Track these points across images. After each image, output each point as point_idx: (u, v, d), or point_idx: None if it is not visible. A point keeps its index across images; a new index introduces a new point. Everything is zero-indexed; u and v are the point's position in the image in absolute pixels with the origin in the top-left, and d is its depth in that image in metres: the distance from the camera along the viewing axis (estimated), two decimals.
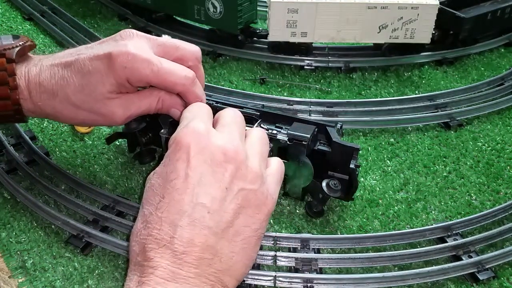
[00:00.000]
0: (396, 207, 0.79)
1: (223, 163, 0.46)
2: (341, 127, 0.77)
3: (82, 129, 0.93)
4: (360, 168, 0.83)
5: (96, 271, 0.68)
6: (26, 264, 0.69)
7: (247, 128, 0.58)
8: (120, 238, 0.72)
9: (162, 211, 0.44)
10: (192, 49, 0.64)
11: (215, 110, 0.82)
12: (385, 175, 0.86)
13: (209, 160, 0.46)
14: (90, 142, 0.92)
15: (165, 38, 0.64)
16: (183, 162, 0.46)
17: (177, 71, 0.60)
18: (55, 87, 0.60)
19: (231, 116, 0.56)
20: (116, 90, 0.61)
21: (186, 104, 0.64)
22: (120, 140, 0.90)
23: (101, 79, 0.59)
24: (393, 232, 0.74)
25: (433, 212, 0.79)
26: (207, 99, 0.82)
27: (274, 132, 0.73)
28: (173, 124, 0.76)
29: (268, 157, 0.59)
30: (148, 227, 0.44)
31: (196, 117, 0.52)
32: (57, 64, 0.61)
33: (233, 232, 0.45)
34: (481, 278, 0.66)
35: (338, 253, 0.71)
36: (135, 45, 0.59)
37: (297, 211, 0.78)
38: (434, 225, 0.74)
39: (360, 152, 0.76)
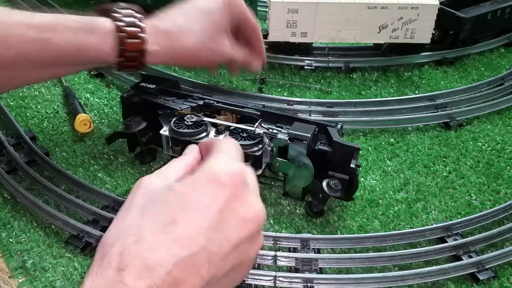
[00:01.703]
0: (396, 207, 0.79)
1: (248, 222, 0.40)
2: (341, 127, 0.77)
3: (82, 129, 0.93)
4: (360, 168, 0.83)
5: None
6: (26, 264, 0.69)
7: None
8: None
9: (168, 236, 0.36)
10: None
11: (216, 110, 0.82)
12: (385, 175, 0.86)
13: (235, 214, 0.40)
14: (90, 142, 0.92)
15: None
16: (217, 200, 0.38)
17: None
18: (185, 28, 0.74)
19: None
20: (228, 26, 0.79)
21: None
22: (120, 140, 0.90)
23: (222, 13, 0.77)
24: (393, 232, 0.74)
25: (433, 212, 0.79)
26: (207, 99, 0.83)
27: (275, 131, 0.73)
28: (175, 123, 0.76)
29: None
30: (141, 245, 0.35)
31: (236, 157, 0.44)
32: (178, 10, 0.76)
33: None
34: (481, 278, 0.66)
35: (338, 253, 0.71)
36: None
37: (297, 211, 0.78)
38: (434, 225, 0.74)
39: (360, 152, 0.76)
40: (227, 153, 0.42)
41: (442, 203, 0.80)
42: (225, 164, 0.40)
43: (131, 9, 0.70)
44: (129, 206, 0.39)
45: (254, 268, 0.67)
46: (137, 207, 0.38)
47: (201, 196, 0.38)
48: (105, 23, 0.67)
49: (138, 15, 0.70)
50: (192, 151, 0.48)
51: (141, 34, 0.68)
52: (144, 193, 0.40)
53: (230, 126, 0.76)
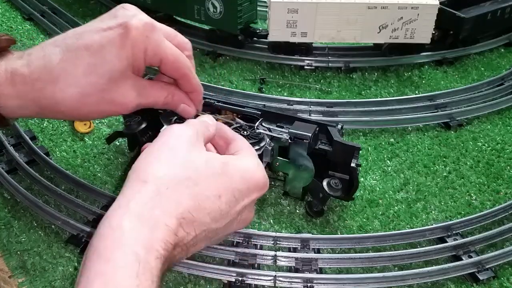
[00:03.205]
0: (396, 207, 0.79)
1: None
2: (341, 127, 0.77)
3: (82, 129, 0.93)
4: (360, 168, 0.83)
5: None
6: (26, 264, 0.68)
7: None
8: None
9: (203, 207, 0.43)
10: (186, 40, 0.60)
11: (216, 110, 0.82)
12: (385, 175, 0.86)
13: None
14: (90, 142, 0.92)
15: (163, 26, 0.58)
16: (251, 199, 0.49)
17: (183, 55, 0.56)
18: (54, 72, 0.51)
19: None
20: (130, 66, 0.54)
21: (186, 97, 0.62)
22: (120, 140, 0.90)
23: (116, 53, 0.51)
24: (393, 232, 0.74)
25: (433, 212, 0.79)
26: (207, 99, 0.82)
27: (275, 131, 0.73)
28: (176, 123, 0.76)
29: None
30: (196, 218, 0.42)
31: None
32: (55, 44, 0.52)
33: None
34: (481, 278, 0.66)
35: (338, 253, 0.71)
36: (147, 16, 0.53)
37: (297, 211, 0.78)
38: (434, 225, 0.74)
39: (360, 152, 0.76)
40: (256, 158, 0.51)
41: (442, 203, 0.80)
42: (264, 173, 0.50)
43: None
44: (175, 155, 0.45)
45: (254, 268, 0.67)
46: (185, 162, 0.44)
47: (244, 189, 0.47)
48: None
49: None
50: (213, 125, 0.53)
51: None
52: (190, 148, 0.46)
53: (231, 124, 0.76)
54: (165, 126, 0.77)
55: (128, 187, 0.43)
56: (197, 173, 0.44)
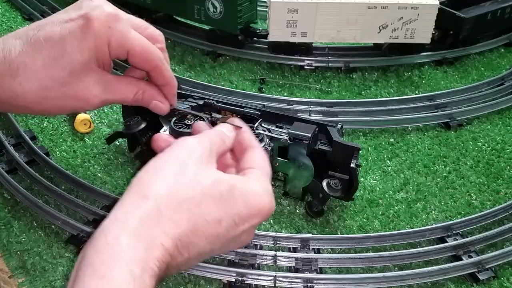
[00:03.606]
0: (396, 207, 0.79)
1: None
2: (341, 127, 0.77)
3: (82, 129, 0.93)
4: (360, 168, 0.83)
5: None
6: (26, 264, 0.68)
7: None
8: None
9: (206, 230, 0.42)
10: (158, 32, 0.55)
11: (216, 110, 0.82)
12: (385, 175, 0.86)
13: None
14: (90, 142, 0.92)
15: (132, 17, 0.53)
16: (251, 226, 0.45)
17: (153, 46, 0.52)
18: (13, 65, 0.48)
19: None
20: (94, 59, 0.50)
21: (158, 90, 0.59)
22: (120, 140, 0.90)
23: (77, 45, 0.48)
24: (393, 232, 0.74)
25: (433, 212, 0.79)
26: (208, 99, 0.82)
27: (275, 131, 0.73)
28: (175, 123, 0.76)
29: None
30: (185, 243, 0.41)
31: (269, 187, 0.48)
32: (16, 37, 0.49)
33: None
34: (481, 278, 0.66)
35: (338, 253, 0.71)
36: (112, 6, 0.50)
37: (297, 211, 0.78)
38: (434, 225, 0.74)
39: (360, 152, 0.76)
40: (266, 181, 0.47)
41: (442, 203, 0.80)
42: (271, 198, 0.46)
43: None
44: (183, 173, 0.42)
45: (254, 268, 0.67)
46: (191, 179, 0.42)
47: (246, 215, 0.44)
48: None
49: None
50: (230, 138, 0.50)
51: None
52: (198, 167, 0.43)
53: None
54: (164, 127, 0.77)
55: (128, 199, 0.41)
56: (201, 194, 0.42)
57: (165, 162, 0.44)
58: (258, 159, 0.49)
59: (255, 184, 0.46)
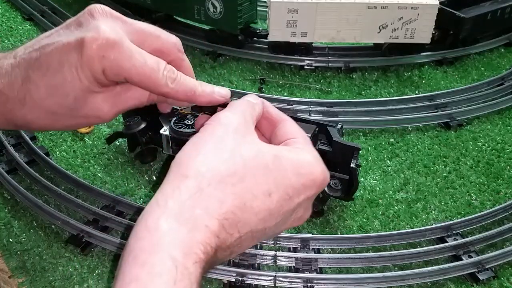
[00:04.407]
0: (396, 207, 0.79)
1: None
2: (341, 127, 0.77)
3: (82, 129, 0.93)
4: (360, 168, 0.83)
5: (96, 271, 0.68)
6: (26, 264, 0.68)
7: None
8: (120, 238, 0.72)
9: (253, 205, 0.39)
10: (173, 40, 0.50)
11: (216, 110, 0.82)
12: (385, 175, 0.86)
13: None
14: (90, 142, 0.92)
15: (144, 24, 0.55)
16: (309, 202, 0.43)
17: (155, 71, 0.48)
18: (20, 93, 0.49)
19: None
20: (94, 84, 0.48)
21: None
22: (120, 140, 0.90)
23: (76, 74, 0.47)
24: (393, 232, 0.74)
25: (433, 212, 0.79)
26: None
27: None
28: (175, 123, 0.76)
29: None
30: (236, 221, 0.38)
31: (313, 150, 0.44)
32: (18, 64, 0.49)
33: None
34: (481, 278, 0.66)
35: (338, 253, 0.71)
36: (111, 27, 0.47)
37: None
38: (434, 225, 0.74)
39: (360, 152, 0.76)
40: (313, 149, 0.44)
41: (442, 203, 0.80)
42: (323, 167, 0.43)
43: None
44: (222, 148, 0.40)
45: (254, 268, 0.67)
46: (234, 156, 0.40)
47: (299, 186, 0.41)
48: None
49: None
50: (259, 104, 0.46)
51: None
52: (239, 142, 0.41)
53: None
54: (164, 127, 0.77)
55: (167, 182, 0.38)
56: (244, 167, 0.39)
57: (202, 140, 0.41)
58: (295, 129, 0.45)
59: (302, 153, 0.42)
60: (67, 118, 0.50)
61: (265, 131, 0.48)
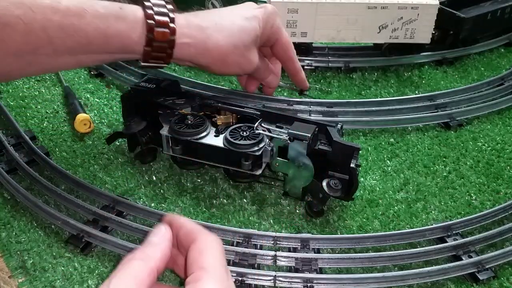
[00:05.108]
0: (396, 207, 0.79)
1: None
2: (341, 127, 0.77)
3: (82, 129, 0.93)
4: (360, 168, 0.83)
5: (96, 271, 0.68)
6: (26, 264, 0.69)
7: None
8: (120, 238, 0.72)
9: None
10: (289, 39, 0.85)
11: (216, 110, 0.82)
12: (385, 175, 0.86)
13: None
14: (90, 142, 0.92)
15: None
16: None
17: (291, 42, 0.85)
18: (222, 24, 0.73)
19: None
20: (257, 40, 0.76)
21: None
22: (120, 140, 0.90)
23: (253, 29, 0.75)
24: (393, 232, 0.74)
25: (433, 212, 0.79)
26: (207, 99, 0.83)
27: (275, 131, 0.73)
28: (175, 123, 0.76)
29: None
30: None
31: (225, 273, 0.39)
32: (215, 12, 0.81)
33: None
34: (481, 278, 0.66)
35: (338, 253, 0.71)
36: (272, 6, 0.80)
37: (297, 211, 0.78)
38: (434, 225, 0.74)
39: (360, 152, 0.76)
40: (219, 277, 0.36)
41: (442, 203, 0.80)
42: None
43: (162, 0, 0.68)
44: None
45: (254, 268, 0.67)
46: None
47: None
48: (134, 10, 0.65)
49: (169, 6, 0.68)
50: (160, 243, 0.39)
51: (171, 24, 0.66)
52: None
53: (230, 125, 0.76)
54: (164, 127, 0.77)
55: None
56: None
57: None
58: (205, 255, 0.37)
59: None
60: (240, 50, 0.75)
61: (180, 246, 0.41)
